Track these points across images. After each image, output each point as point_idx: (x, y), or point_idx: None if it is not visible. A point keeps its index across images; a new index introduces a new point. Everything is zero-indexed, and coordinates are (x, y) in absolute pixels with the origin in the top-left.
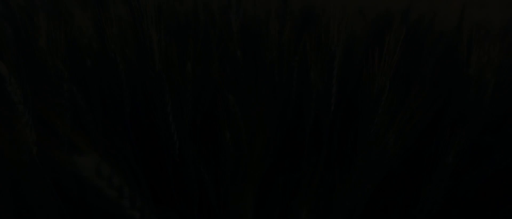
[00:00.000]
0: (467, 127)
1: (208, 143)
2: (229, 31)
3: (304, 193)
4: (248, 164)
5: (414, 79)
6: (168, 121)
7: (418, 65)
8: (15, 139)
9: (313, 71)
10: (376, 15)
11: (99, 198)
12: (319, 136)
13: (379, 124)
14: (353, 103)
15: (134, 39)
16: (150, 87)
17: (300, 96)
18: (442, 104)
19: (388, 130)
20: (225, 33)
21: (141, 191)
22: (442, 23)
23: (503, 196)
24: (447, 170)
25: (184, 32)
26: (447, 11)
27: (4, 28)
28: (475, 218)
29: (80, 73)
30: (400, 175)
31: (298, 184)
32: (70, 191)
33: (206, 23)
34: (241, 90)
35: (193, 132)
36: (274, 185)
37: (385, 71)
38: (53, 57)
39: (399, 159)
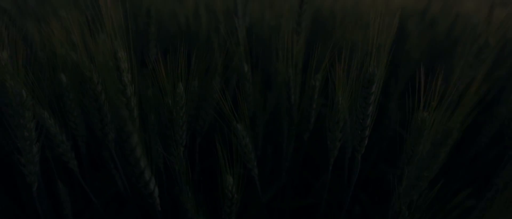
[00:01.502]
0: None
1: (209, 185)
2: (234, 39)
3: None
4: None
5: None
6: (139, 167)
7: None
8: None
9: (340, 96)
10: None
11: None
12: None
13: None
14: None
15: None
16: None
17: (322, 124)
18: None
19: None
20: (229, 42)
21: None
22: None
23: None
24: None
25: (183, 40)
26: (463, 12)
27: None
28: None
29: (56, 93)
30: None
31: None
32: None
33: (209, 29)
34: (249, 117)
35: (191, 168)
36: None
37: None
38: (13, 77)
39: None
